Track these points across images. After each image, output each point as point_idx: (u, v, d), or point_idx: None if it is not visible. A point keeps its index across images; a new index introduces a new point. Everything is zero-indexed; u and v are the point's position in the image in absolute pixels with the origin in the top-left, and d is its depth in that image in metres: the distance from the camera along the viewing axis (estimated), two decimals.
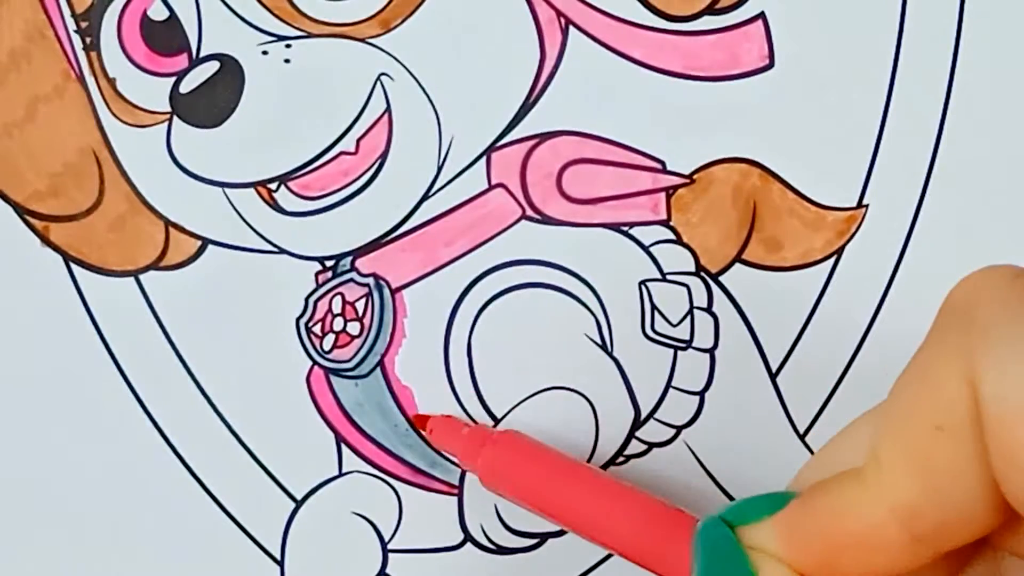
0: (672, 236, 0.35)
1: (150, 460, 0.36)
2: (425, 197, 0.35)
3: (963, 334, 0.22)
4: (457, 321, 0.35)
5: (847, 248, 0.35)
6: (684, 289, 0.35)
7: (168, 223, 0.35)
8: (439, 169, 0.35)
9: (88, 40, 0.35)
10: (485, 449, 0.33)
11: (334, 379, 0.36)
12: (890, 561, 0.22)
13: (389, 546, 0.36)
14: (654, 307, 0.35)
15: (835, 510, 0.23)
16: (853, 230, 0.35)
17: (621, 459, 0.36)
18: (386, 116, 0.35)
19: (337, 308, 0.35)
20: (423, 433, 0.35)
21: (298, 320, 0.36)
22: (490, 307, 0.36)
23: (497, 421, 0.36)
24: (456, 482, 0.36)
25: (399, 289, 0.35)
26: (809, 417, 0.36)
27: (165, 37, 0.35)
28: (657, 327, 0.35)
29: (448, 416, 0.35)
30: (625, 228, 0.35)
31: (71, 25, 0.35)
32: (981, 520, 0.22)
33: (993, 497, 0.21)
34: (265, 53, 0.35)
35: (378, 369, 0.36)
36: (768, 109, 0.35)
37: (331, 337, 0.35)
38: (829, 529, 0.23)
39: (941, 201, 0.35)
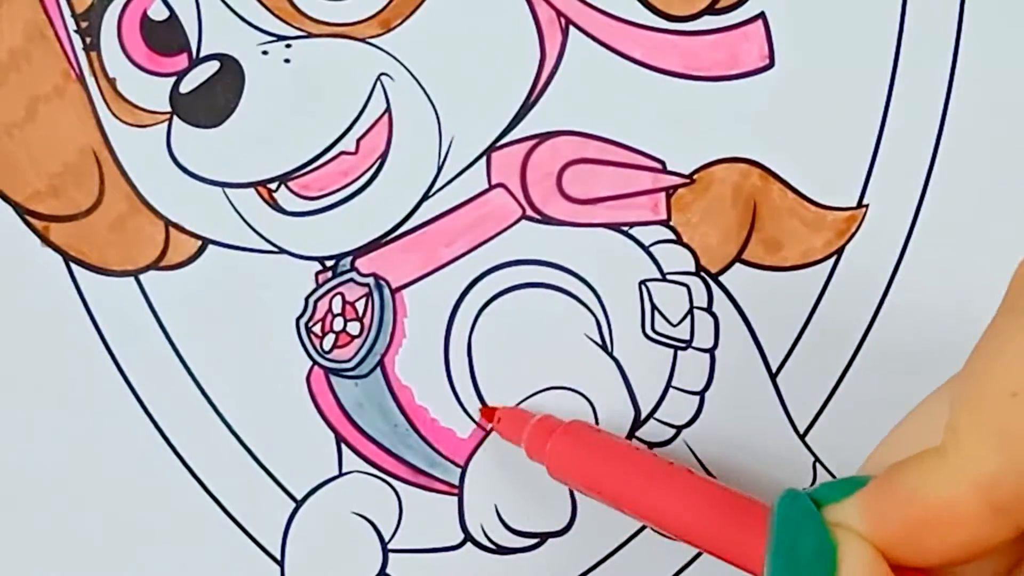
0: (672, 236, 0.35)
1: (150, 460, 0.36)
2: (425, 197, 0.35)
3: None
4: (457, 321, 0.35)
5: (847, 248, 0.35)
6: (684, 289, 0.35)
7: (168, 223, 0.35)
8: (439, 169, 0.35)
9: (88, 40, 0.35)
10: (552, 440, 0.33)
11: (334, 379, 0.36)
12: (972, 535, 0.22)
13: (389, 546, 0.36)
14: (654, 307, 0.35)
15: (917, 485, 0.23)
16: (853, 230, 0.35)
17: None
18: (386, 116, 0.35)
19: (337, 308, 0.35)
20: (487, 425, 0.35)
21: (298, 320, 0.36)
22: (490, 307, 0.36)
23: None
24: (456, 482, 0.36)
25: (399, 289, 0.35)
26: (809, 417, 0.36)
27: (165, 37, 0.35)
28: (657, 327, 0.35)
29: (515, 408, 0.35)
30: (625, 228, 0.35)
31: (71, 25, 0.35)
32: None
33: None
34: (265, 53, 0.35)
35: (378, 369, 0.36)
36: (768, 109, 0.35)
37: (331, 337, 0.35)
38: (911, 504, 0.23)
39: (941, 201, 0.35)
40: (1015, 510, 0.22)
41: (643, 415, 0.36)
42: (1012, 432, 0.22)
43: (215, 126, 0.35)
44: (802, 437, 0.36)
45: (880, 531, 0.23)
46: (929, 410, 0.25)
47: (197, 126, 0.35)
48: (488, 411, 0.35)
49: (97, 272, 0.36)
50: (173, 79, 0.35)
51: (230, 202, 0.35)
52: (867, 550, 0.23)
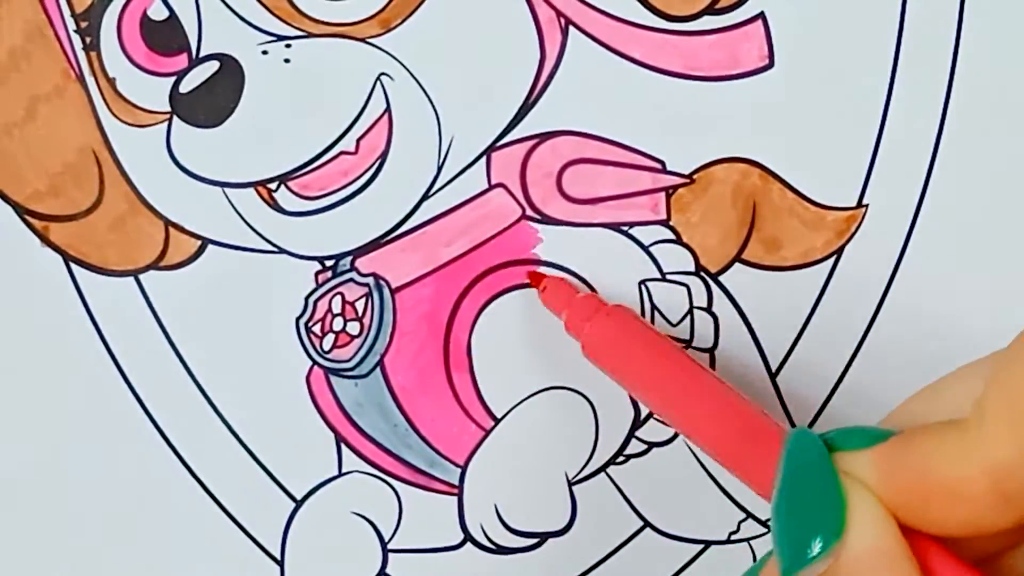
0: (672, 236, 0.35)
1: (150, 460, 0.36)
2: (425, 197, 0.35)
3: None
4: (457, 321, 0.35)
5: (847, 248, 0.35)
6: (684, 289, 0.35)
7: (168, 223, 0.35)
8: (439, 169, 0.35)
9: (88, 40, 0.35)
10: (594, 319, 0.32)
11: (334, 379, 0.36)
12: (976, 517, 0.22)
13: (389, 546, 0.36)
14: (654, 307, 0.35)
15: (931, 455, 0.23)
16: (853, 230, 0.35)
17: (621, 459, 0.36)
18: (386, 116, 0.35)
19: (337, 308, 0.35)
20: (540, 291, 0.35)
21: (298, 320, 0.36)
22: (490, 307, 0.36)
23: (497, 421, 0.36)
24: (456, 482, 0.36)
25: (399, 289, 0.35)
26: (809, 417, 0.36)
27: (165, 37, 0.35)
28: (657, 327, 0.35)
29: (563, 278, 0.35)
30: (625, 228, 0.35)
31: (71, 25, 0.35)
32: None
33: None
34: (265, 53, 0.35)
35: (378, 369, 0.36)
36: (768, 109, 0.35)
37: (331, 337, 0.35)
38: (922, 472, 0.23)
39: (941, 201, 0.35)
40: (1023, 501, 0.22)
41: (643, 415, 0.36)
42: None
43: (215, 126, 0.35)
44: None
45: (887, 491, 0.23)
46: (965, 378, 0.24)
47: (197, 126, 0.35)
48: (536, 275, 0.35)
49: (97, 272, 0.36)
50: (173, 79, 0.35)
51: (230, 202, 0.35)
52: (879, 507, 0.23)
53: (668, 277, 0.35)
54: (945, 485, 0.22)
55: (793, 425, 0.36)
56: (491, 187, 0.35)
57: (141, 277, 0.36)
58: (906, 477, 0.23)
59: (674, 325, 0.35)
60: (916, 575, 0.23)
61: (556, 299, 0.34)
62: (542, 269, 0.35)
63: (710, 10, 0.35)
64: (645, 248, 0.35)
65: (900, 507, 0.23)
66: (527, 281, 0.35)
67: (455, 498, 0.36)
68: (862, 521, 0.23)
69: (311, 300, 0.36)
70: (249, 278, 0.36)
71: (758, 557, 0.36)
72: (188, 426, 0.36)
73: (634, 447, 0.36)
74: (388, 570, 0.36)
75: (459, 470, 0.36)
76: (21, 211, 0.35)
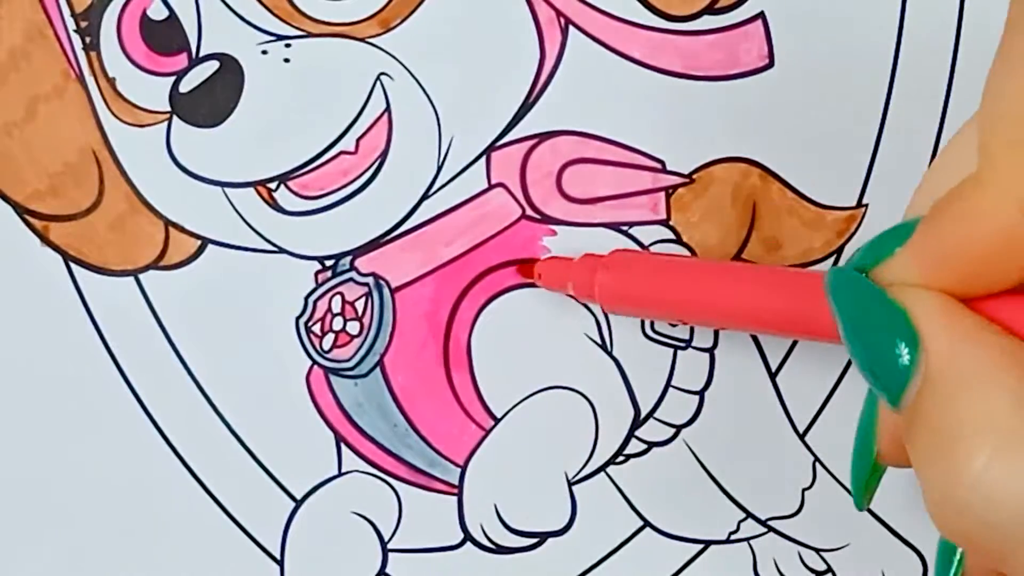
0: (672, 236, 0.35)
1: (150, 460, 0.36)
2: (425, 197, 0.35)
3: None
4: (457, 321, 0.35)
5: (847, 248, 0.35)
6: None
7: (168, 223, 0.35)
8: (439, 169, 0.35)
9: (88, 40, 0.35)
10: (597, 276, 0.32)
11: (334, 379, 0.36)
12: None
13: (389, 546, 0.36)
14: None
15: (962, 218, 0.22)
16: (853, 230, 0.35)
17: (621, 458, 0.36)
18: (386, 116, 0.35)
19: (337, 307, 0.35)
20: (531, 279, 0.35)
21: (298, 320, 0.36)
22: (490, 307, 0.36)
23: (497, 421, 0.36)
24: (456, 482, 0.36)
25: (399, 289, 0.35)
26: (809, 417, 0.36)
27: (165, 37, 0.35)
28: (657, 327, 0.35)
29: (551, 257, 0.35)
30: (625, 228, 0.35)
31: (71, 25, 0.35)
32: None
33: None
34: (265, 53, 0.35)
35: (378, 369, 0.36)
36: (768, 109, 0.35)
37: (331, 336, 0.35)
38: (961, 239, 0.22)
39: None
40: None
41: (643, 415, 0.36)
42: None
43: (215, 126, 0.35)
44: (802, 437, 0.36)
45: (938, 275, 0.23)
46: (963, 140, 0.24)
47: (197, 126, 0.35)
48: (526, 268, 0.35)
49: (97, 272, 0.36)
50: (173, 79, 0.35)
51: (230, 202, 0.35)
52: (935, 298, 0.23)
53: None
54: (988, 240, 0.22)
55: (794, 427, 0.36)
56: (491, 187, 0.35)
57: (141, 277, 0.36)
58: (948, 253, 0.22)
59: (674, 325, 0.35)
60: (1006, 341, 0.22)
61: (554, 278, 0.34)
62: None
63: (710, 10, 0.35)
64: (645, 248, 0.35)
65: (955, 285, 0.23)
66: (527, 281, 0.35)
67: (455, 498, 0.36)
68: (929, 322, 0.22)
69: (311, 300, 0.36)
70: (249, 278, 0.36)
71: (758, 557, 0.36)
72: (188, 426, 0.36)
73: (634, 447, 0.36)
74: (388, 570, 0.36)
75: (459, 470, 0.36)
76: (21, 211, 0.35)
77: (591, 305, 0.35)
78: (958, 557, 0.25)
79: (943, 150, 0.25)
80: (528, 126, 0.35)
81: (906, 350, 0.22)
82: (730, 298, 0.29)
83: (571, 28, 0.35)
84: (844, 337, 0.24)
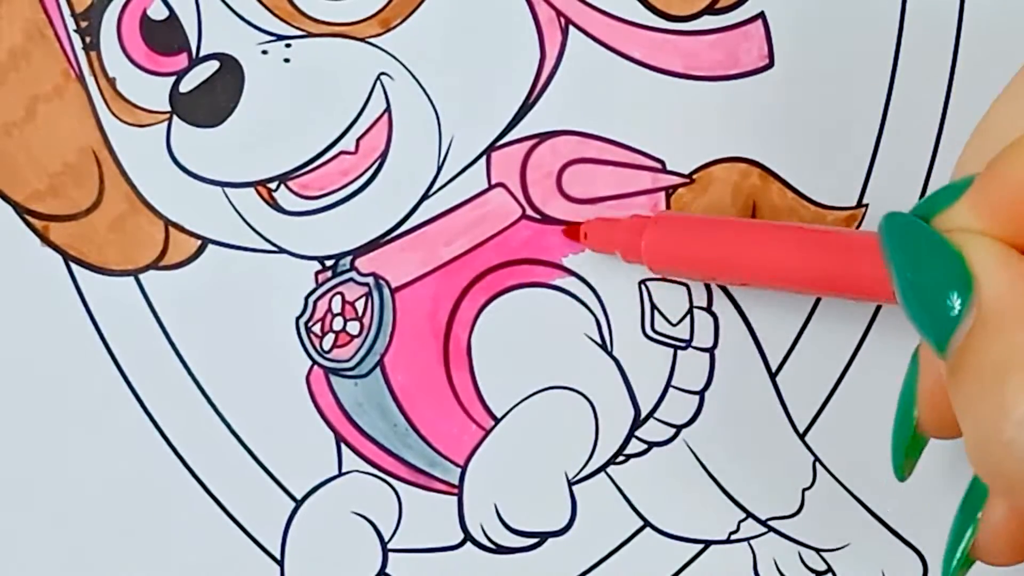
0: None
1: (150, 460, 0.36)
2: (425, 197, 0.35)
3: None
4: (457, 321, 0.35)
5: None
6: (684, 288, 0.35)
7: (168, 223, 0.35)
8: (439, 169, 0.35)
9: (88, 40, 0.35)
10: (645, 236, 0.33)
11: (334, 379, 0.36)
12: None
13: (389, 546, 0.36)
14: (654, 307, 0.35)
15: (1021, 169, 0.22)
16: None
17: (621, 458, 0.36)
18: (386, 116, 0.35)
19: (337, 307, 0.35)
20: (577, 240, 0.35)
21: (298, 320, 0.36)
22: (490, 307, 0.36)
23: (497, 421, 0.36)
24: (456, 482, 0.36)
25: (399, 289, 0.35)
26: (809, 417, 0.36)
27: (165, 37, 0.35)
28: (657, 327, 0.35)
29: (598, 218, 0.35)
30: None
31: (71, 24, 0.35)
32: None
33: None
34: (265, 53, 0.35)
35: (378, 369, 0.36)
36: (768, 109, 0.35)
37: (331, 336, 0.35)
38: (1020, 190, 0.22)
39: None
40: None
41: (643, 415, 0.36)
42: None
43: (215, 126, 0.35)
44: (802, 437, 0.36)
45: (995, 224, 0.23)
46: (1011, 97, 0.24)
47: (197, 126, 0.35)
48: (572, 229, 0.35)
49: (97, 272, 0.36)
50: (173, 79, 0.35)
51: (230, 202, 0.35)
52: (994, 244, 0.23)
53: (668, 277, 0.35)
54: None
55: (794, 427, 0.36)
56: (491, 187, 0.35)
57: (141, 277, 0.36)
58: (1006, 204, 0.22)
59: (674, 325, 0.35)
60: None
61: (601, 239, 0.34)
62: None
63: (710, 10, 0.35)
64: None
65: (1013, 235, 0.23)
66: (527, 281, 0.35)
67: (455, 498, 0.36)
68: (984, 263, 0.22)
69: (311, 300, 0.36)
70: (249, 278, 0.36)
71: (758, 557, 0.36)
72: (188, 426, 0.36)
73: (634, 447, 0.36)
74: (388, 570, 0.36)
75: (459, 470, 0.36)
76: (21, 211, 0.35)
77: (591, 305, 0.35)
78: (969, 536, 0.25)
79: (994, 106, 0.25)
80: (528, 126, 0.35)
81: (958, 294, 0.22)
82: (778, 257, 0.30)
83: (571, 28, 0.35)
84: (895, 282, 0.24)
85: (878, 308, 0.35)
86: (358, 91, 0.35)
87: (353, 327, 0.35)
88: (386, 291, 0.35)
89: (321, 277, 0.36)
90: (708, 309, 0.35)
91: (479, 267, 0.35)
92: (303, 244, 0.35)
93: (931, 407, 0.26)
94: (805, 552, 0.36)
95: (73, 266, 0.35)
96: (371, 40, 0.35)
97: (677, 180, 0.35)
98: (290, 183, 0.35)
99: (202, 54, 0.35)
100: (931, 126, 0.35)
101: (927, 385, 0.26)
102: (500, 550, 0.36)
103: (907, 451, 0.27)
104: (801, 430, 0.36)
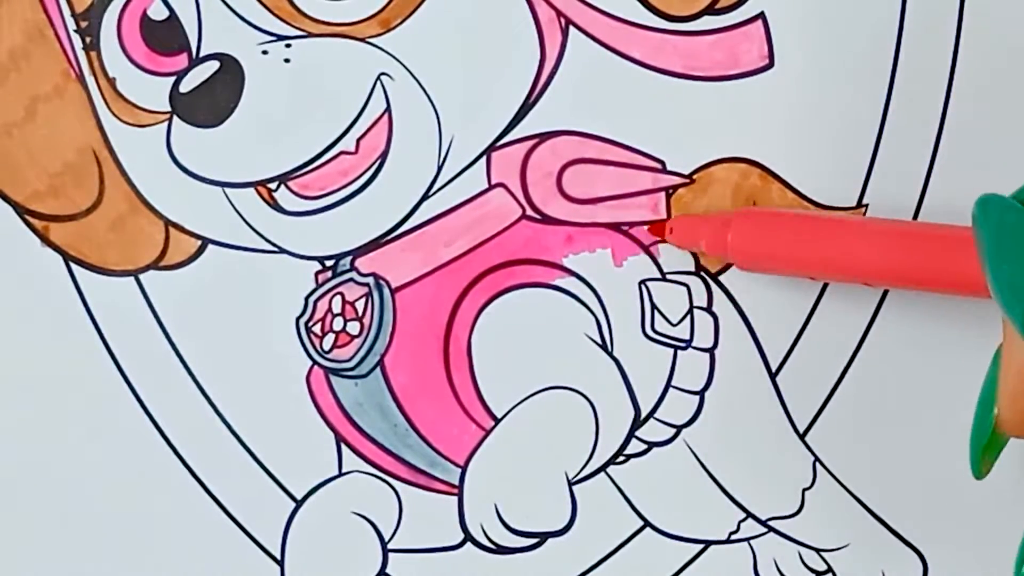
0: None
1: (150, 460, 0.36)
2: (425, 197, 0.35)
3: None
4: (457, 321, 0.35)
5: None
6: (684, 289, 0.35)
7: (168, 223, 0.35)
8: (439, 169, 0.35)
9: (88, 40, 0.35)
10: (731, 232, 0.33)
11: (334, 379, 0.36)
12: None
13: (389, 546, 0.36)
14: (654, 307, 0.35)
15: None
16: None
17: (621, 459, 0.36)
18: (386, 116, 0.35)
19: (337, 308, 0.35)
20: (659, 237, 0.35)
21: (298, 320, 0.36)
22: (490, 307, 0.36)
23: (497, 421, 0.36)
24: (456, 482, 0.36)
25: (399, 289, 0.35)
26: (809, 417, 0.36)
27: (165, 37, 0.35)
28: (657, 327, 0.35)
29: (683, 215, 0.35)
30: (625, 228, 0.35)
31: (71, 25, 0.35)
32: None
33: None
34: (265, 53, 0.35)
35: (378, 369, 0.36)
36: (768, 109, 0.35)
37: (331, 337, 0.35)
38: None
39: (941, 201, 0.35)
40: None
41: (643, 415, 0.36)
42: None
43: (215, 126, 0.35)
44: (802, 437, 0.36)
45: None
46: None
47: (197, 126, 0.35)
48: (657, 226, 0.35)
49: (97, 272, 0.36)
50: (173, 79, 0.35)
51: (230, 202, 0.35)
52: None
53: (668, 277, 0.35)
54: None
55: (794, 427, 0.36)
56: (491, 187, 0.35)
57: (141, 277, 0.36)
58: None
59: (674, 325, 0.35)
60: None
61: (686, 235, 0.34)
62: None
63: (710, 10, 0.35)
64: (645, 248, 0.35)
65: None
66: (527, 281, 0.35)
67: (455, 498, 0.36)
68: None
69: (311, 300, 0.36)
70: (249, 278, 0.36)
71: (758, 557, 0.36)
72: (188, 426, 0.36)
73: (634, 447, 0.36)
74: (388, 570, 0.36)
75: (459, 470, 0.36)
76: (21, 211, 0.35)
77: (591, 305, 0.35)
78: None
79: None
80: (528, 126, 0.35)
81: None
82: (865, 255, 0.29)
83: (571, 28, 0.35)
84: (986, 263, 0.23)
85: (878, 307, 0.35)
86: (358, 91, 0.35)
87: (353, 327, 0.35)
88: (386, 291, 0.35)
89: (321, 277, 0.36)
90: (708, 309, 0.35)
91: (479, 267, 0.35)
92: (303, 244, 0.35)
93: (1013, 405, 0.26)
94: (805, 552, 0.36)
95: (73, 266, 0.35)
96: (371, 40, 0.35)
97: (677, 180, 0.35)
98: (290, 183, 0.35)
99: (202, 54, 0.35)
100: (931, 126, 0.35)
101: (1009, 383, 0.26)
102: (500, 550, 0.36)
103: (985, 450, 0.28)
104: (801, 430, 0.36)
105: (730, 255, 0.33)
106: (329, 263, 0.36)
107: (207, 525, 0.36)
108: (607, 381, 0.35)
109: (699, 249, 0.34)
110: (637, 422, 0.36)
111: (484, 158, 0.35)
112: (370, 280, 0.35)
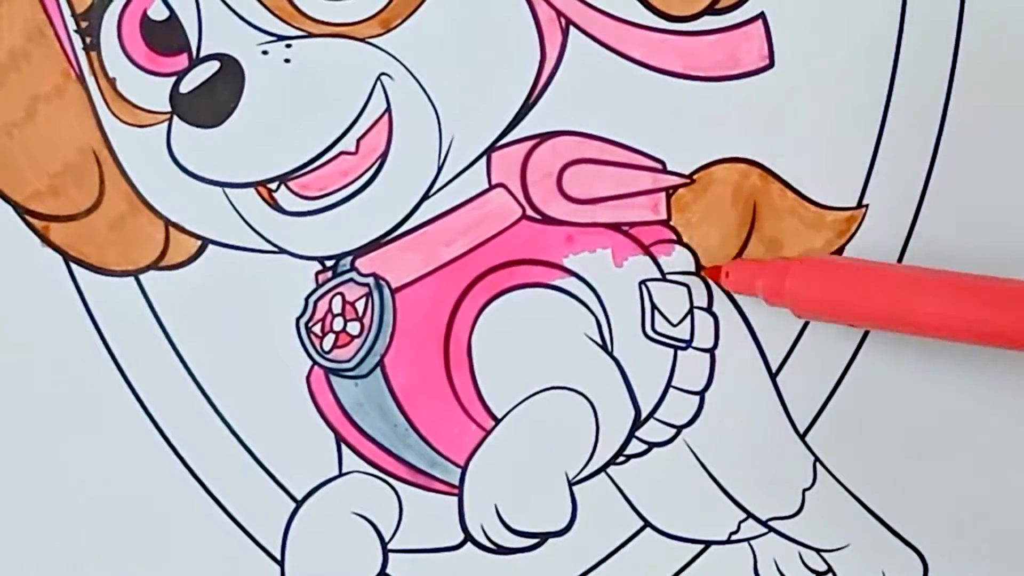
0: (672, 236, 0.35)
1: (150, 460, 0.36)
2: (425, 197, 0.35)
3: None
4: (457, 321, 0.35)
5: (847, 248, 0.35)
6: (684, 289, 0.35)
7: (168, 223, 0.35)
8: (439, 169, 0.35)
9: (88, 40, 0.35)
10: (788, 280, 0.33)
11: (334, 379, 0.36)
12: None
13: (389, 546, 0.36)
14: (654, 307, 0.35)
15: None
16: (853, 230, 0.35)
17: (621, 459, 0.36)
18: (386, 116, 0.35)
19: (337, 308, 0.35)
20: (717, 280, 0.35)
21: (298, 320, 0.36)
22: (490, 307, 0.36)
23: (497, 421, 0.36)
24: (456, 482, 0.36)
25: (399, 289, 0.35)
26: (809, 417, 0.36)
27: (165, 37, 0.35)
28: (657, 327, 0.35)
29: (740, 259, 0.35)
30: (625, 228, 0.35)
31: (71, 25, 0.35)
32: None
33: None
34: (265, 53, 0.35)
35: (378, 369, 0.36)
36: (768, 109, 0.35)
37: (331, 337, 0.35)
38: None
39: (941, 201, 0.35)
40: None
41: (643, 415, 0.36)
42: None
43: (215, 126, 0.35)
44: (802, 437, 0.36)
45: None
46: None
47: (197, 126, 0.35)
48: (714, 270, 0.35)
49: (97, 272, 0.36)
50: (173, 79, 0.35)
51: (230, 202, 0.35)
52: None
53: (668, 277, 0.35)
54: None
55: (794, 427, 0.36)
56: (491, 187, 0.35)
57: (141, 277, 0.36)
58: None
59: (674, 325, 0.35)
60: None
61: (743, 280, 0.34)
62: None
63: (710, 10, 0.35)
64: (645, 248, 0.35)
65: None
66: (527, 281, 0.35)
67: (455, 498, 0.36)
68: None
69: (311, 300, 0.36)
70: (249, 278, 0.36)
71: (759, 557, 0.36)
72: (188, 426, 0.36)
73: (634, 447, 0.36)
74: (388, 570, 0.36)
75: (459, 470, 0.36)
76: (21, 211, 0.35)
77: (591, 305, 0.35)
78: None
79: None
80: (528, 126, 0.35)
81: None
82: (932, 308, 0.29)
83: (571, 28, 0.35)
84: None
85: None
86: (358, 91, 0.35)
87: (353, 327, 0.35)
88: (386, 291, 0.35)
89: (321, 277, 0.36)
90: (708, 309, 0.35)
91: (479, 267, 0.35)
92: (303, 244, 0.35)
93: None
94: (805, 552, 0.36)
95: (73, 266, 0.35)
96: (371, 40, 0.35)
97: (677, 180, 0.35)
98: (290, 183, 0.35)
99: (202, 54, 0.35)
100: (931, 126, 0.35)
101: None
102: (500, 550, 0.36)
103: None
104: (801, 430, 0.36)
105: (788, 303, 0.33)
106: (329, 263, 0.36)
107: (207, 525, 0.36)
108: (607, 381, 0.35)
109: (756, 294, 0.34)
110: (637, 422, 0.36)
111: (484, 158, 0.35)
112: (370, 280, 0.35)
